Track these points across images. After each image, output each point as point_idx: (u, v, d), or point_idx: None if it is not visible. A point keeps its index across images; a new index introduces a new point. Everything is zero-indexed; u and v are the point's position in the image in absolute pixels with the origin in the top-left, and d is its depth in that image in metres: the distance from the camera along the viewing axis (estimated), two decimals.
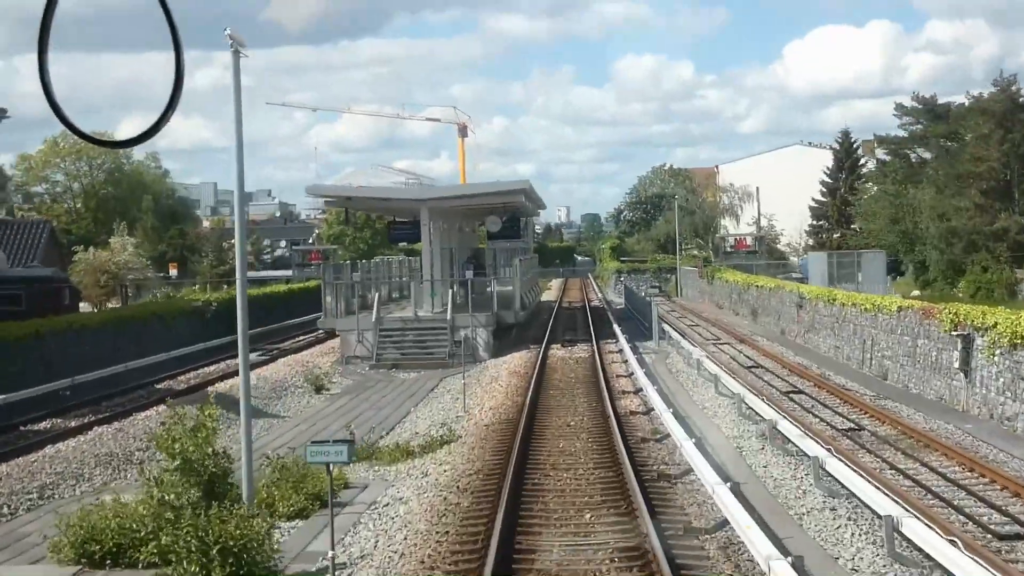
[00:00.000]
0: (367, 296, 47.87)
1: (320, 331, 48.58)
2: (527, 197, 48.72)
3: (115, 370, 35.70)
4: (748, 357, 40.58)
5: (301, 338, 51.22)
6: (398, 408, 31.86)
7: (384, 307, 48.13)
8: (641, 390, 30.54)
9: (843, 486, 17.69)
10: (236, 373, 24.34)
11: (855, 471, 17.99)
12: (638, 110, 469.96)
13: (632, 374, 34.39)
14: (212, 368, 41.00)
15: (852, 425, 25.42)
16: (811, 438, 20.91)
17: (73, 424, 28.26)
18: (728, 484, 16.88)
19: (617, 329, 47.33)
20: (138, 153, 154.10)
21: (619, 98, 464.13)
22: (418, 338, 43.13)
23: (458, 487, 19.56)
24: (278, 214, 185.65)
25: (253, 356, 42.13)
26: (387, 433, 27.33)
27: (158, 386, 36.06)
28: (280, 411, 32.31)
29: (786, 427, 22.38)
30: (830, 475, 18.28)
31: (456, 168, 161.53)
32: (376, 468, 22.39)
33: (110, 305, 61.61)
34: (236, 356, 21.22)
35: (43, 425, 28.77)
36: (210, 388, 33.08)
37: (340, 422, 28.34)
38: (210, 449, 15.35)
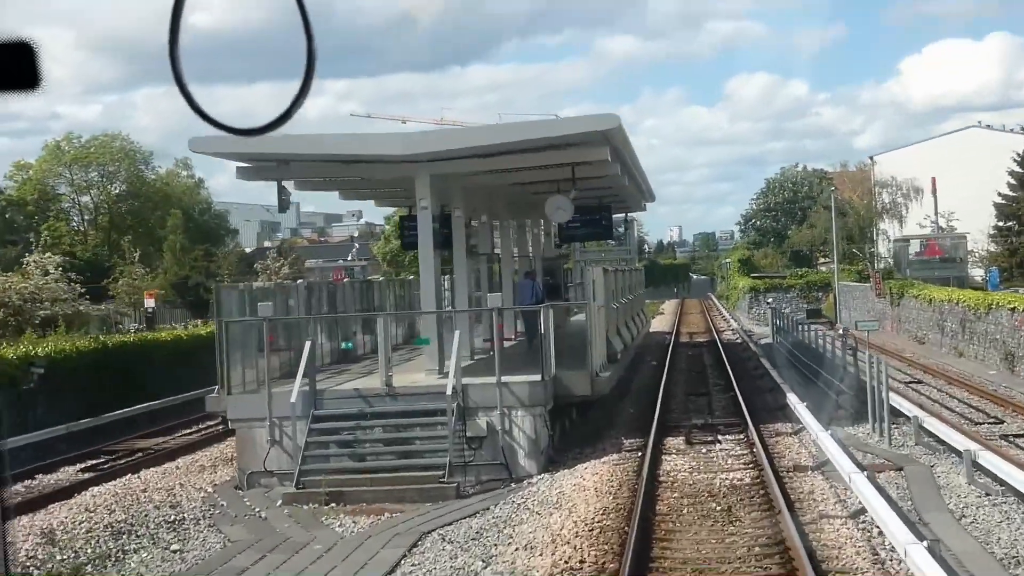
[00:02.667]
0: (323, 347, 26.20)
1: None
2: (616, 155, 26.37)
3: None
4: None
5: (193, 429, 28.35)
6: None
7: (354, 367, 26.31)
8: None
9: None
10: None
11: None
12: (749, 129, 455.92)
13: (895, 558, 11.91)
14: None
15: None
16: None
17: None
18: None
19: (791, 399, 24.66)
20: (164, 160, 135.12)
21: (731, 117, 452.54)
22: (391, 433, 21.11)
23: None
24: (356, 234, 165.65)
25: (70, 472, 21.49)
26: None
27: None
28: None
29: None
30: None
31: None
32: None
33: None
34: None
35: None
36: None
37: None
38: None
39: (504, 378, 21.11)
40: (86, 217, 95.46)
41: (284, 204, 25.43)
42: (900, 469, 18.39)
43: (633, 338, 35.08)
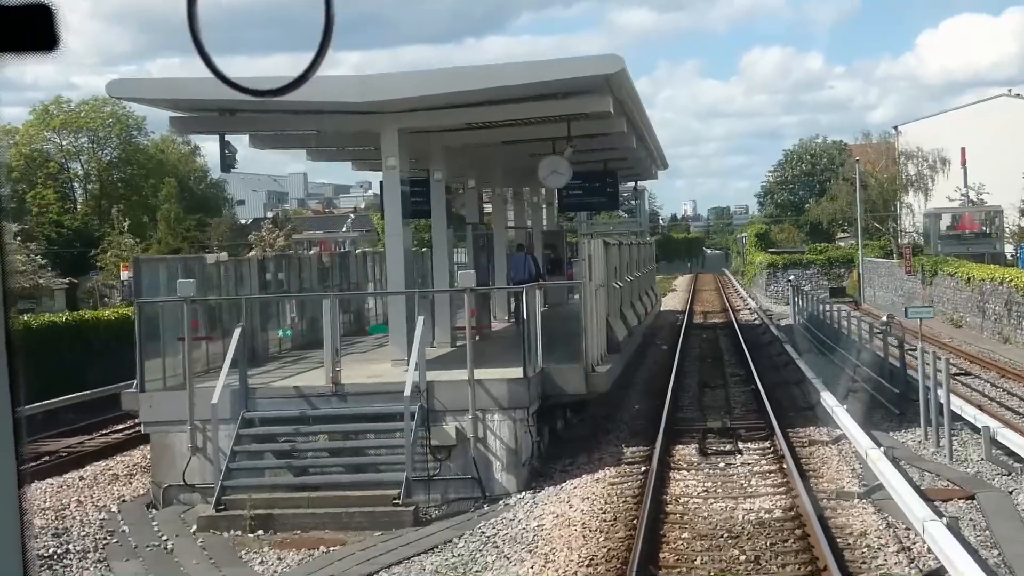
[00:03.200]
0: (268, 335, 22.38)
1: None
2: (620, 108, 22.35)
3: None
4: None
5: (120, 427, 23.65)
6: None
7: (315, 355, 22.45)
8: None
9: None
10: None
11: None
12: (765, 102, 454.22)
13: None
14: None
15: None
16: None
17: None
18: None
19: (827, 399, 20.64)
20: (159, 126, 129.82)
21: (746, 90, 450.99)
22: (338, 441, 17.24)
23: None
24: (363, 205, 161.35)
25: None
26: None
27: None
28: None
29: None
30: None
31: None
32: None
33: None
34: None
35: None
36: None
37: None
38: None
39: (480, 373, 17.25)
40: (75, 185, 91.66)
41: (228, 162, 21.47)
42: (971, 497, 14.48)
43: (640, 320, 31.11)
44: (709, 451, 18.41)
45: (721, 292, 71.49)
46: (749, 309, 54.11)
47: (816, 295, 47.96)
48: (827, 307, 40.57)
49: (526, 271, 26.12)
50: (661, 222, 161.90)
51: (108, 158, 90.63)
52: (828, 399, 20.21)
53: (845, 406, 18.94)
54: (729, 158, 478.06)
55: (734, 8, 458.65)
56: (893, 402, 21.53)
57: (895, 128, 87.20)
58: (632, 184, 43.51)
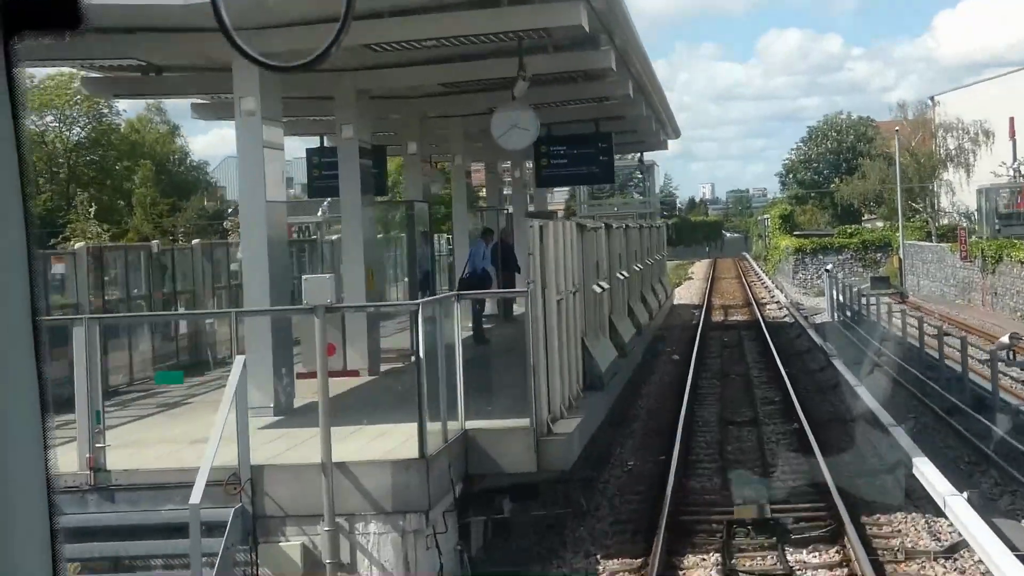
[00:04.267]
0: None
1: None
2: (601, 23, 15.05)
3: None
4: None
5: None
6: None
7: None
8: None
9: None
10: None
11: None
12: (783, 84, 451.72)
13: None
14: None
15: None
16: None
17: None
18: None
19: (930, 475, 13.16)
20: (131, 104, 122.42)
21: (764, 73, 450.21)
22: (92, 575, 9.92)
23: None
24: None
25: None
26: None
27: None
28: None
29: None
30: None
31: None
32: None
33: None
34: None
35: None
36: None
37: None
38: None
39: (346, 453, 10.08)
40: (40, 168, 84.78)
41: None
42: None
43: (641, 329, 23.73)
44: (742, 568, 11.13)
45: (742, 280, 64.06)
46: (776, 303, 46.67)
47: (851, 284, 40.62)
48: (868, 302, 33.34)
49: (480, 267, 18.90)
50: (679, 206, 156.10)
51: (76, 139, 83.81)
52: (932, 477, 12.79)
53: (965, 495, 11.56)
54: (747, 141, 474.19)
55: None
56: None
57: (931, 99, 79.33)
58: (636, 156, 36.08)
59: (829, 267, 41.40)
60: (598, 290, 16.59)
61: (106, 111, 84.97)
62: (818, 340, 29.71)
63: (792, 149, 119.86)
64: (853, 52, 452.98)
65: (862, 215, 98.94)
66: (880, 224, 78.12)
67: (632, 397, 21.21)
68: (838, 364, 24.15)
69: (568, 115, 23.61)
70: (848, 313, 36.03)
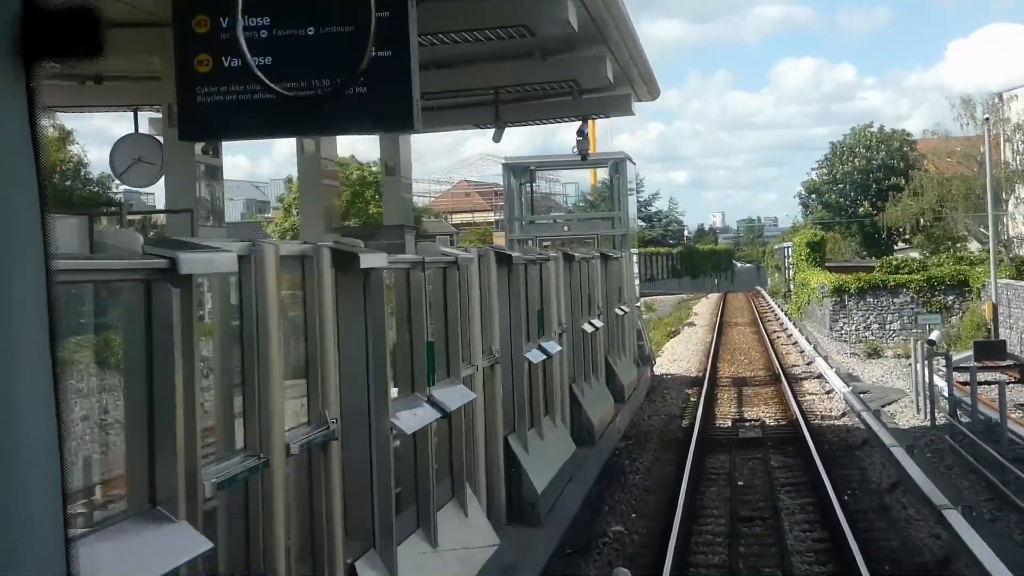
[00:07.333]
0: None
1: None
2: None
3: None
4: None
5: None
6: None
7: None
8: None
9: None
10: None
11: None
12: (795, 112, 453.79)
13: None
14: None
15: None
16: None
17: None
18: None
19: None
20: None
21: (777, 101, 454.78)
22: None
23: None
24: None
25: None
26: None
27: None
28: None
29: None
30: None
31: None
32: None
33: None
34: None
35: None
36: None
37: None
38: None
39: None
40: None
41: None
42: None
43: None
44: None
45: (760, 329, 47.77)
46: (817, 376, 30.23)
47: (923, 340, 24.57)
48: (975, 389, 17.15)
49: None
50: (687, 233, 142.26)
51: None
52: None
53: None
54: (759, 170, 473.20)
55: (764, 20, 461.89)
56: None
57: (999, 96, 63.01)
58: (582, 120, 19.51)
59: (934, 337, 24.75)
60: None
61: None
62: (924, 488, 13.55)
63: (813, 168, 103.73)
64: (866, 81, 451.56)
65: (895, 243, 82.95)
66: (914, 255, 61.88)
67: None
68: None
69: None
70: (955, 411, 19.88)
